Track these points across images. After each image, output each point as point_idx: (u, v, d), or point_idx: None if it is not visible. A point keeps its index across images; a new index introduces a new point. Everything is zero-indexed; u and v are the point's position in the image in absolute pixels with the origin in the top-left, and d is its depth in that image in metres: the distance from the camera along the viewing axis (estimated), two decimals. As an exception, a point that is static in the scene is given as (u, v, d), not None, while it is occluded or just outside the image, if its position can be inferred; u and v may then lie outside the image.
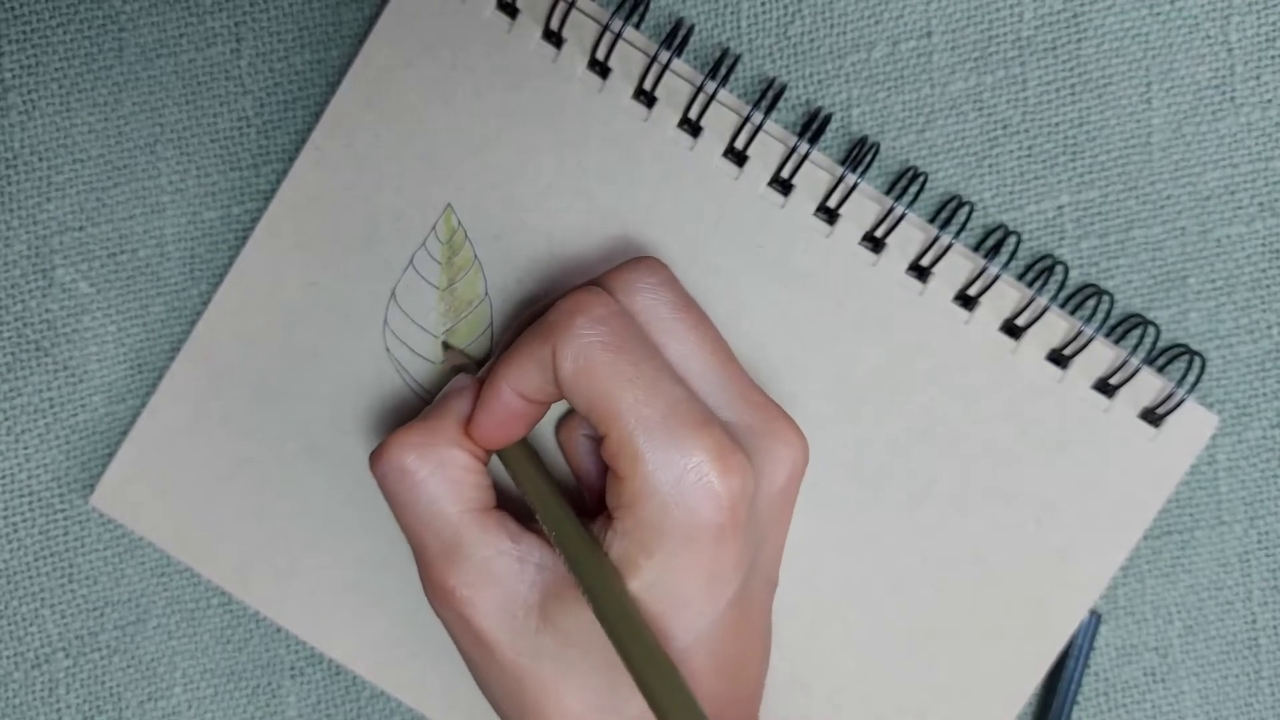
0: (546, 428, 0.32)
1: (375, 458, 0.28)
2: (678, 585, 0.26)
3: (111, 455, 0.33)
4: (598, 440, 0.30)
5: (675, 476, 0.25)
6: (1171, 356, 0.33)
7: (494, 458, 0.30)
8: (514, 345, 0.28)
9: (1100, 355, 0.32)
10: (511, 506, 0.29)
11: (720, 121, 0.31)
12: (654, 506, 0.26)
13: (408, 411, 0.33)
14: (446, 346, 0.32)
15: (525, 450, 0.29)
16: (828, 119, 0.32)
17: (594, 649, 0.27)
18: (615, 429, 0.26)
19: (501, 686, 0.28)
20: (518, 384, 0.28)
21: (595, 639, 0.27)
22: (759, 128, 0.31)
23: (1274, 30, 0.33)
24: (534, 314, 0.30)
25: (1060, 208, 0.33)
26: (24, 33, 0.32)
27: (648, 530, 0.26)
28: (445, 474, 0.28)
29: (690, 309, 0.28)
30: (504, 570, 0.28)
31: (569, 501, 0.28)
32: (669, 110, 0.31)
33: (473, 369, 0.31)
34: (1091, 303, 0.33)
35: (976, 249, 0.33)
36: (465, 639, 0.28)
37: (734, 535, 0.26)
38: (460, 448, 0.28)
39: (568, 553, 0.27)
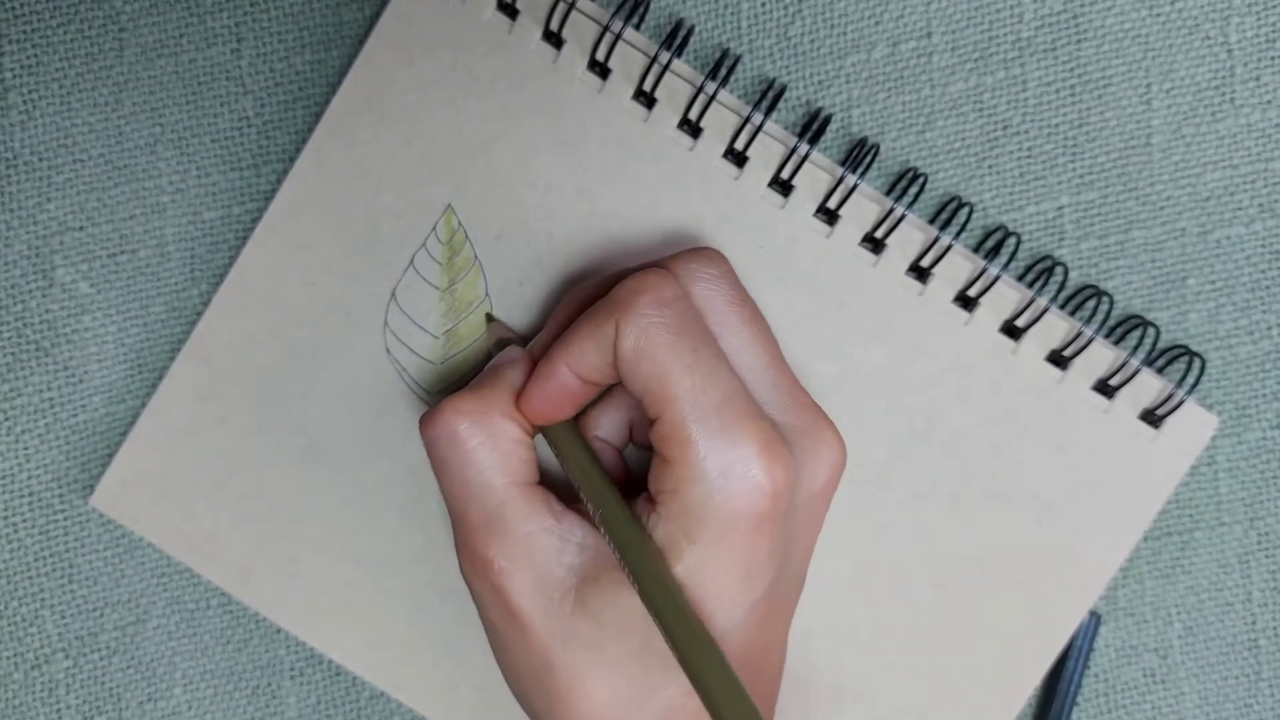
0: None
1: (427, 422, 0.28)
2: (716, 573, 0.26)
3: (111, 455, 0.33)
4: (611, 445, 0.30)
5: (723, 465, 0.26)
6: (1171, 358, 0.33)
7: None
8: (574, 324, 0.28)
9: (1100, 356, 0.32)
10: (551, 487, 0.29)
11: (720, 122, 0.31)
12: (699, 492, 0.26)
13: (409, 413, 0.33)
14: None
15: (571, 428, 0.29)
16: (828, 120, 0.32)
17: (627, 637, 0.27)
18: (670, 412, 0.26)
19: (528, 667, 0.28)
20: (576, 364, 0.28)
21: (629, 627, 0.27)
22: (759, 128, 0.31)
23: (1274, 31, 0.33)
24: (585, 290, 0.30)
25: (1060, 209, 0.33)
26: (24, 32, 0.32)
27: (691, 516, 0.26)
28: (495, 444, 0.28)
29: (746, 304, 0.28)
30: (544, 547, 0.27)
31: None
32: (669, 111, 0.31)
33: (519, 342, 0.31)
34: (1091, 304, 0.33)
35: (976, 250, 0.33)
36: (496, 613, 0.28)
37: (770, 528, 0.26)
38: (512, 419, 0.28)
39: (613, 534, 0.27)
